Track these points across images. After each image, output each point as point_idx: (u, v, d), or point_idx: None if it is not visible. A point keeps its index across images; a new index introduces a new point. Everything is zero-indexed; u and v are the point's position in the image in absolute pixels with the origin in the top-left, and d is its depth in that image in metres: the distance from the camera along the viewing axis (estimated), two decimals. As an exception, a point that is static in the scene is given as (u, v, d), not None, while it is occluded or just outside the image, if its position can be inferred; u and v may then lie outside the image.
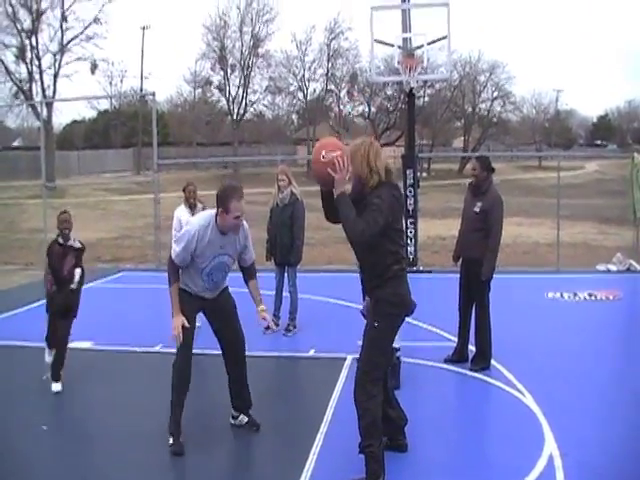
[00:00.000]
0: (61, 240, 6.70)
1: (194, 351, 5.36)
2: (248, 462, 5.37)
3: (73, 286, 6.74)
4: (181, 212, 8.49)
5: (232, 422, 5.73)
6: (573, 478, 4.61)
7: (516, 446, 5.21)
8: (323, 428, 5.57)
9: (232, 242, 5.28)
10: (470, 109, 60.07)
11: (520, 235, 19.10)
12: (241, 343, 5.59)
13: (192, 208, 8.45)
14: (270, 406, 6.04)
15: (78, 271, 6.76)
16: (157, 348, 7.82)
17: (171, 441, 5.24)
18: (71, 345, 7.84)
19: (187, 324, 5.15)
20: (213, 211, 5.19)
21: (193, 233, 5.12)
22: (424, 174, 51.14)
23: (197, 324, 5.57)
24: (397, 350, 5.15)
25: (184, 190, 8.60)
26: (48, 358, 6.91)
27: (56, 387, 6.67)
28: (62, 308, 6.76)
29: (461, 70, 55.34)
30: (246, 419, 5.69)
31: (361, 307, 5.02)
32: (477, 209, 6.97)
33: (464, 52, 54.46)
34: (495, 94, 59.59)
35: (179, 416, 5.30)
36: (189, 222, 5.64)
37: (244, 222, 5.28)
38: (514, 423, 5.68)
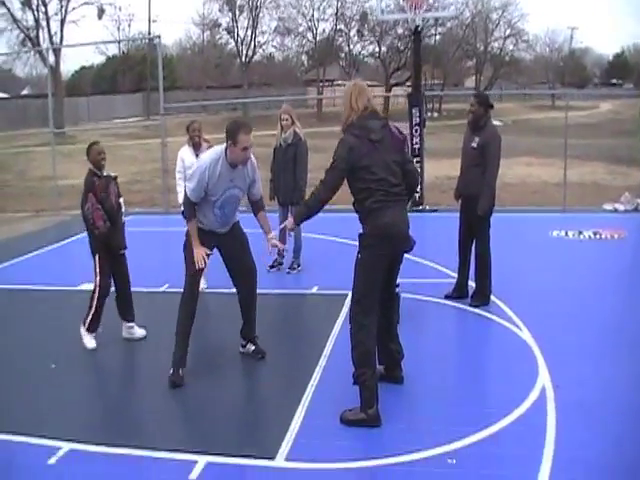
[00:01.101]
0: (99, 172, 6.30)
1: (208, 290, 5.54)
2: (247, 392, 5.58)
3: (124, 217, 6.53)
4: (185, 153, 7.99)
5: (241, 350, 6.01)
6: (563, 409, 4.74)
7: (510, 378, 5.36)
8: (322, 361, 5.75)
9: (242, 176, 5.48)
10: (482, 48, 59.20)
11: (529, 175, 19.06)
12: (253, 272, 5.82)
13: (197, 148, 7.88)
14: (272, 340, 6.20)
15: (121, 201, 6.49)
16: (163, 288, 8.02)
17: (171, 372, 5.45)
18: (81, 287, 8.10)
19: (207, 255, 5.48)
20: (222, 146, 5.37)
21: (204, 168, 5.31)
22: (435, 114, 50.79)
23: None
24: (397, 286, 5.25)
25: (188, 129, 8.00)
26: (91, 343, 6.37)
27: (141, 332, 6.61)
28: (121, 243, 6.45)
29: (473, 8, 54.43)
30: (253, 347, 5.94)
31: None
32: (475, 145, 6.98)
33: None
34: (508, 32, 58.72)
35: (182, 349, 5.51)
36: (199, 159, 5.77)
37: (252, 157, 5.46)
38: (510, 356, 5.83)
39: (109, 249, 6.35)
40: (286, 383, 5.51)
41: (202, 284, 7.49)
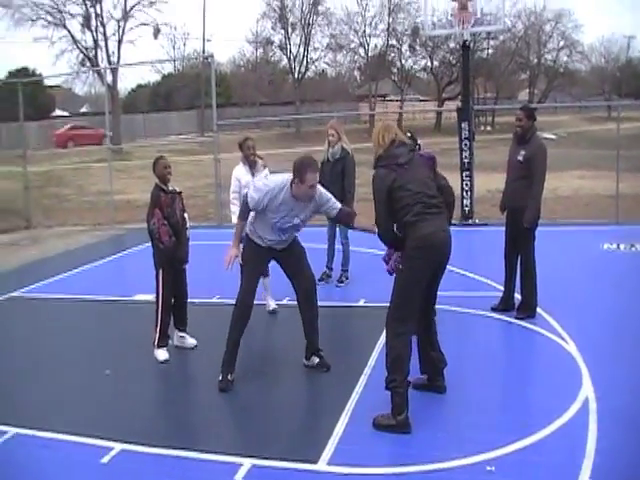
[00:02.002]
0: (164, 186, 6.45)
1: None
2: (294, 398, 5.67)
3: (189, 233, 6.64)
4: (240, 172, 7.63)
5: (305, 363, 6.07)
6: (605, 421, 4.74)
7: (553, 388, 5.38)
8: (367, 370, 5.86)
9: (303, 208, 5.60)
10: (535, 60, 58.52)
11: (582, 187, 18.82)
12: (312, 285, 5.93)
13: (252, 166, 7.58)
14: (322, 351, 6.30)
15: (186, 216, 6.65)
16: (214, 299, 8.23)
17: (220, 377, 5.64)
18: (135, 297, 8.37)
19: (239, 257, 5.72)
20: (290, 176, 5.47)
21: (268, 191, 5.47)
22: (488, 127, 50.37)
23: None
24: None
25: (241, 146, 7.61)
26: (162, 355, 6.48)
27: (192, 341, 6.78)
28: (184, 258, 6.59)
29: (526, 20, 53.90)
30: (317, 360, 6.02)
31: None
32: (521, 157, 7.01)
33: (529, 1, 53.03)
34: (561, 44, 57.92)
35: (231, 356, 5.69)
36: (270, 179, 5.86)
37: (318, 187, 5.57)
38: (554, 368, 5.83)
39: (172, 263, 6.49)
40: (331, 391, 5.63)
41: (272, 305, 7.63)
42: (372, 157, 5.09)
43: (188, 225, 6.68)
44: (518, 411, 5.04)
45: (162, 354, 6.48)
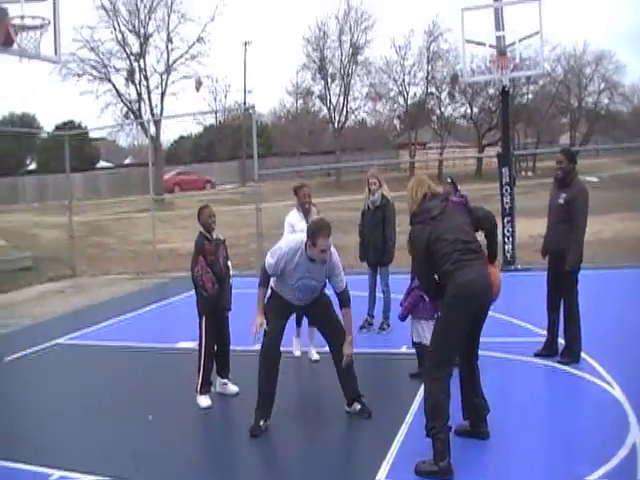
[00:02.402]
0: (209, 235, 6.52)
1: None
2: (333, 444, 5.66)
3: (232, 281, 6.69)
4: (294, 218, 7.54)
5: (347, 409, 6.06)
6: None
7: (599, 435, 5.26)
8: (408, 418, 5.79)
9: (320, 269, 5.66)
10: (576, 104, 58.28)
11: (625, 230, 18.55)
12: (341, 333, 5.89)
13: (307, 213, 7.49)
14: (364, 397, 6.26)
15: (230, 264, 6.71)
16: (255, 347, 8.23)
17: (252, 422, 5.67)
18: (178, 345, 8.46)
19: (266, 326, 5.72)
20: (304, 237, 5.56)
21: (283, 254, 5.58)
22: (529, 172, 50.10)
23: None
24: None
25: (296, 192, 7.56)
26: (205, 402, 6.49)
27: (234, 388, 6.77)
28: (227, 305, 6.60)
29: (565, 64, 53.76)
30: (359, 406, 6.00)
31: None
32: (562, 201, 6.98)
33: (568, 45, 52.96)
34: (602, 86, 57.60)
35: (264, 400, 5.75)
36: (283, 240, 5.97)
37: (333, 251, 5.65)
38: (599, 413, 5.72)
39: (215, 310, 6.54)
40: (373, 438, 5.58)
41: (314, 355, 7.59)
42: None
43: (231, 273, 6.75)
44: (563, 458, 4.94)
45: (204, 401, 6.49)
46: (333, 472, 5.09)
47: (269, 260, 5.64)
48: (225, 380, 6.83)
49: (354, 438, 5.73)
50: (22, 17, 8.11)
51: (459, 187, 7.73)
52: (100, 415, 6.48)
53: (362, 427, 5.81)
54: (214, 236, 6.57)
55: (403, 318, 6.99)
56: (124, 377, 7.76)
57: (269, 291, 5.94)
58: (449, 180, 7.88)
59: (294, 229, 7.35)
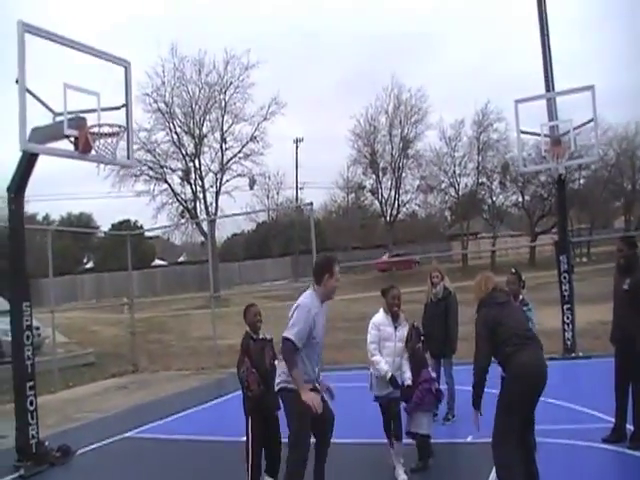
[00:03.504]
0: (254, 335, 6.58)
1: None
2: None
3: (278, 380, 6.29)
4: (380, 320, 6.99)
5: None
6: None
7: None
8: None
9: (323, 314, 5.80)
10: (630, 186, 57.62)
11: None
12: (331, 422, 5.87)
13: (395, 318, 6.94)
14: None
15: (277, 363, 6.40)
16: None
17: None
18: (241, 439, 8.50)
19: (317, 396, 5.53)
20: (309, 290, 5.75)
21: (309, 307, 5.58)
22: (584, 259, 49.40)
23: None
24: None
25: (384, 294, 7.00)
26: None
27: None
28: (273, 405, 6.34)
29: (617, 147, 53.45)
30: None
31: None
32: (626, 286, 7.04)
33: (620, 127, 52.60)
34: (656, 166, 56.99)
35: None
36: (298, 303, 5.73)
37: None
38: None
39: (261, 410, 6.48)
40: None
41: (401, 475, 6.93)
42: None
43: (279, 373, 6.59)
44: None
45: None
46: None
47: (294, 331, 5.44)
48: (271, 479, 6.65)
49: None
50: (100, 125, 8.46)
51: (523, 277, 7.87)
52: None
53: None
54: (260, 335, 6.62)
55: (410, 411, 7.04)
56: (193, 469, 7.86)
57: (283, 393, 5.75)
58: (513, 271, 7.98)
59: (379, 333, 6.88)
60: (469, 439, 7.89)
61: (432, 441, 7.79)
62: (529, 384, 5.52)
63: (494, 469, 6.54)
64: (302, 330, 5.47)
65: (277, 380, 5.84)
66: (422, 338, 7.16)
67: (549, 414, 7.82)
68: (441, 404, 8.80)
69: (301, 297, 5.79)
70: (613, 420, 7.31)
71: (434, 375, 7.64)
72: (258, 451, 6.49)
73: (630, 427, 7.12)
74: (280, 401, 5.89)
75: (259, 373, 6.39)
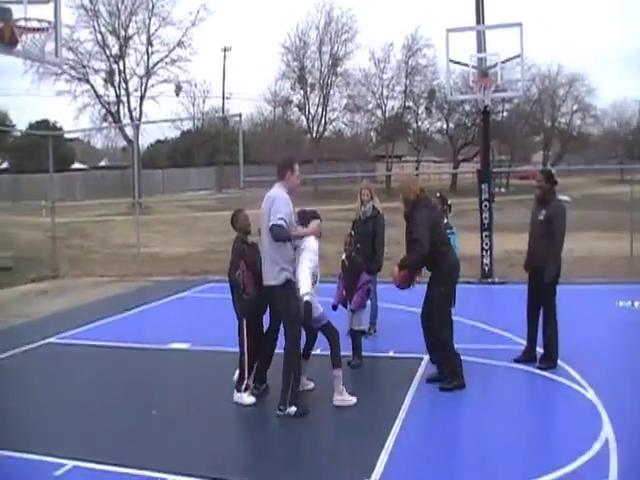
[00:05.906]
0: (246, 239, 6.69)
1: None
2: (332, 439, 6.16)
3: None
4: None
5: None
6: (626, 461, 5.06)
7: (574, 431, 5.75)
8: (401, 415, 6.19)
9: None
10: (549, 123, 59.34)
11: (598, 248, 19.09)
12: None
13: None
14: (356, 397, 6.62)
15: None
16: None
17: (294, 409, 6.17)
18: (171, 346, 8.74)
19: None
20: (276, 185, 6.32)
21: (284, 195, 6.22)
22: (503, 189, 50.87)
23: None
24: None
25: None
26: (249, 399, 6.64)
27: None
28: (263, 307, 6.67)
29: (540, 84, 54.74)
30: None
31: None
32: (542, 217, 7.44)
33: (543, 66, 53.80)
34: (575, 107, 58.89)
35: (297, 384, 6.28)
36: (275, 195, 6.26)
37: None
38: (574, 413, 6.20)
39: (254, 311, 6.70)
40: (369, 433, 5.90)
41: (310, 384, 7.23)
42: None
43: None
44: (541, 451, 5.37)
45: (248, 398, 6.64)
46: (327, 466, 5.42)
47: (280, 215, 6.00)
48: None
49: (352, 432, 6.05)
50: (26, 19, 8.22)
51: (449, 202, 8.28)
52: (101, 410, 6.72)
53: (359, 422, 6.19)
54: (249, 240, 6.75)
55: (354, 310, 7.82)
56: (120, 375, 8.03)
57: (286, 276, 6.19)
58: (438, 195, 8.33)
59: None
60: (391, 353, 8.34)
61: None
62: (457, 277, 7.12)
63: (416, 379, 7.08)
64: (288, 213, 6.10)
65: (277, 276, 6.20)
66: (358, 246, 7.97)
67: (466, 334, 8.35)
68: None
69: (272, 191, 6.32)
70: (525, 342, 7.83)
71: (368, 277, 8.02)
72: (253, 353, 6.68)
73: (540, 350, 7.66)
74: (280, 294, 6.21)
75: (255, 276, 6.54)
